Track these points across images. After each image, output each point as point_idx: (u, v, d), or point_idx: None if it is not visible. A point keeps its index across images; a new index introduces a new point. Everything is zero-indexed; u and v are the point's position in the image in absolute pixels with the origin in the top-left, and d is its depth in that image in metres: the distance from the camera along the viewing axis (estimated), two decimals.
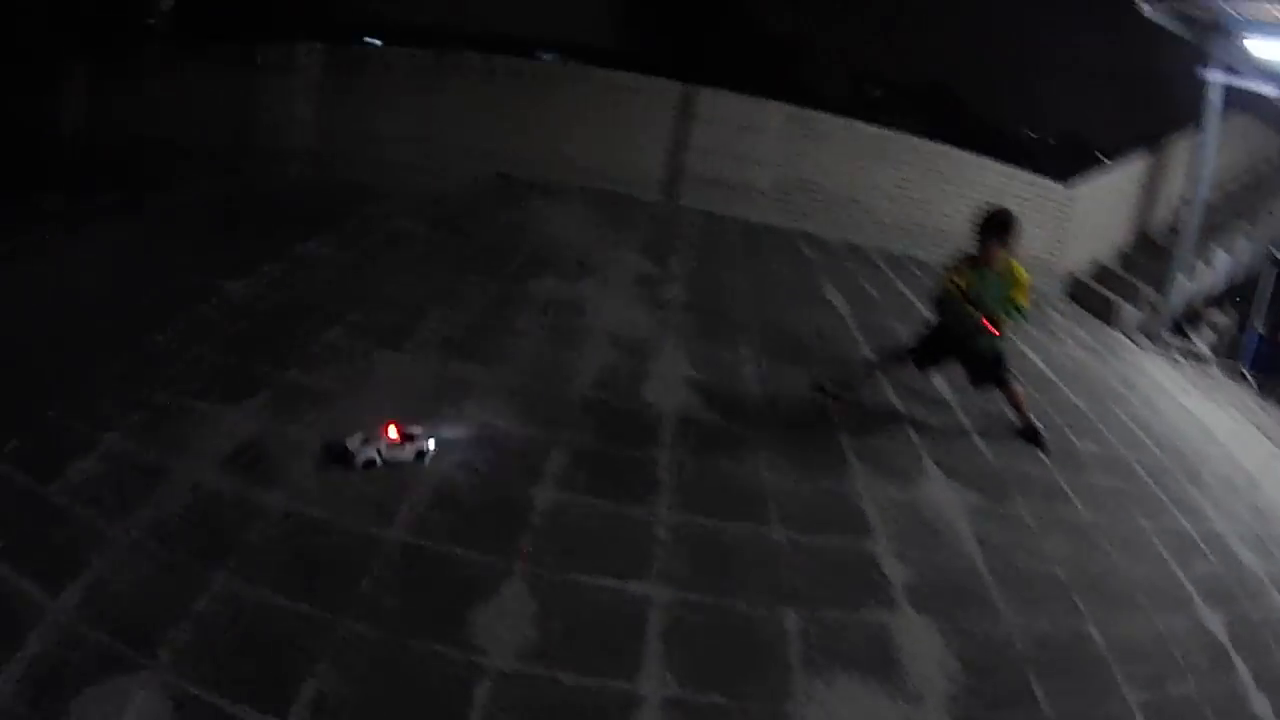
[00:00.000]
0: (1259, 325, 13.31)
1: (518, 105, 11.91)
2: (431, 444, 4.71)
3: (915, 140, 13.40)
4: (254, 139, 10.26)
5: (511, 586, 3.82)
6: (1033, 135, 21.95)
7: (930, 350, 6.92)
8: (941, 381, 7.54)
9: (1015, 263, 6.46)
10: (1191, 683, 4.78)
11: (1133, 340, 12.80)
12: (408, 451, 4.62)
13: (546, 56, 17.04)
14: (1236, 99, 13.13)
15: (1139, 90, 16.09)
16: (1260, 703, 4.85)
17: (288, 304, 6.23)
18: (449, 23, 16.26)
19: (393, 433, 4.61)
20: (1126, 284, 13.75)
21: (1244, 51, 11.79)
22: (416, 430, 4.70)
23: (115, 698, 2.87)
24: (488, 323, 6.65)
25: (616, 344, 6.74)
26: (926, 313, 8.06)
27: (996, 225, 6.36)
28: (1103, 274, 14.32)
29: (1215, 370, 12.94)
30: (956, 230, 12.76)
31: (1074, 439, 7.64)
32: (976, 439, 6.79)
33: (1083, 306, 13.76)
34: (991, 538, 5.53)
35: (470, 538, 4.07)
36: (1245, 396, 12.19)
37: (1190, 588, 5.82)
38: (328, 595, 3.51)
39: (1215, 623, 5.50)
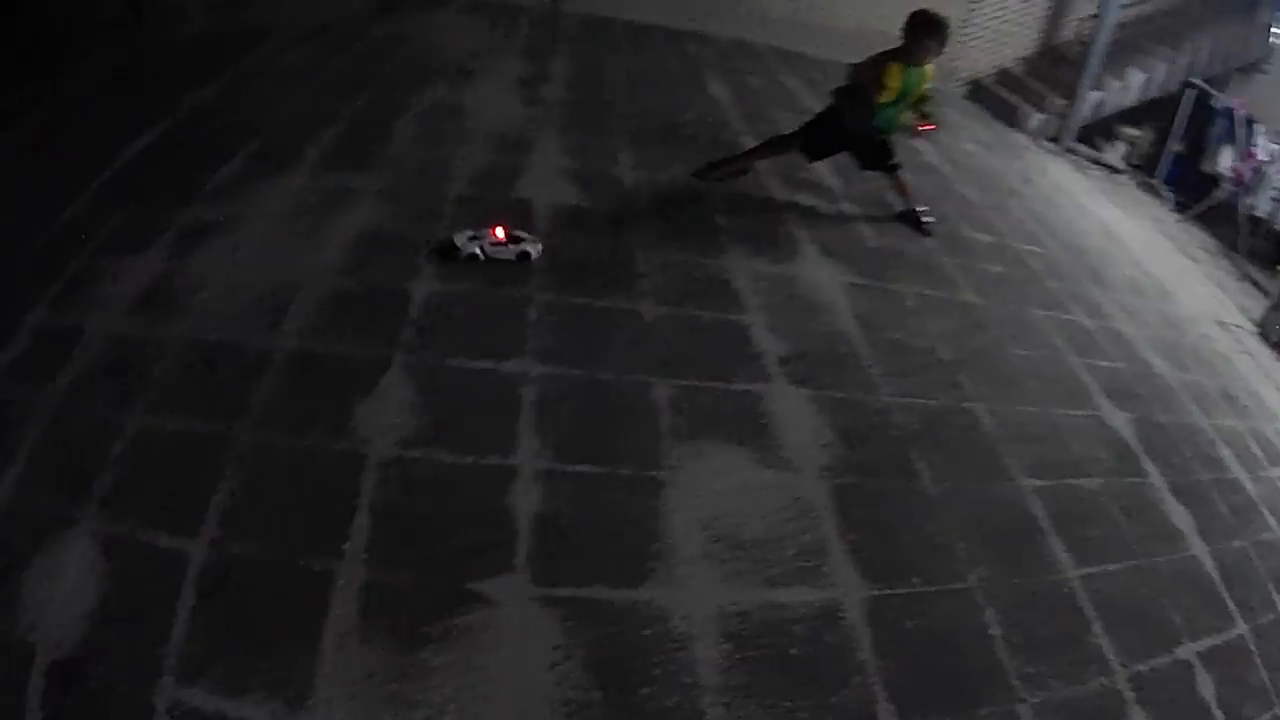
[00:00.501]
0: (1177, 145, 13.73)
1: None
2: (539, 248, 5.22)
3: None
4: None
5: (391, 378, 4.05)
6: None
7: (820, 140, 6.94)
8: (825, 167, 7.52)
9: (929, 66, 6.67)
10: (1096, 479, 4.94)
11: (1037, 144, 13.13)
12: (510, 251, 5.13)
13: None
14: None
15: None
16: (1180, 515, 5.04)
17: (187, 150, 6.22)
18: None
19: (500, 233, 5.15)
20: (1032, 90, 14.10)
21: None
22: (523, 234, 5.21)
23: (58, 560, 3.11)
24: (369, 134, 6.66)
25: (494, 143, 6.81)
26: (813, 104, 8.22)
27: (935, 27, 6.56)
28: (1008, 79, 14.60)
29: (1128, 183, 13.43)
30: (846, 28, 12.87)
31: (964, 227, 7.77)
32: (859, 222, 6.90)
33: (986, 110, 14.04)
34: (870, 314, 5.65)
35: (351, 337, 4.30)
36: (1159, 210, 12.66)
37: (1091, 382, 5.96)
38: (227, 411, 3.74)
39: (1120, 421, 5.66)
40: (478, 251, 5.06)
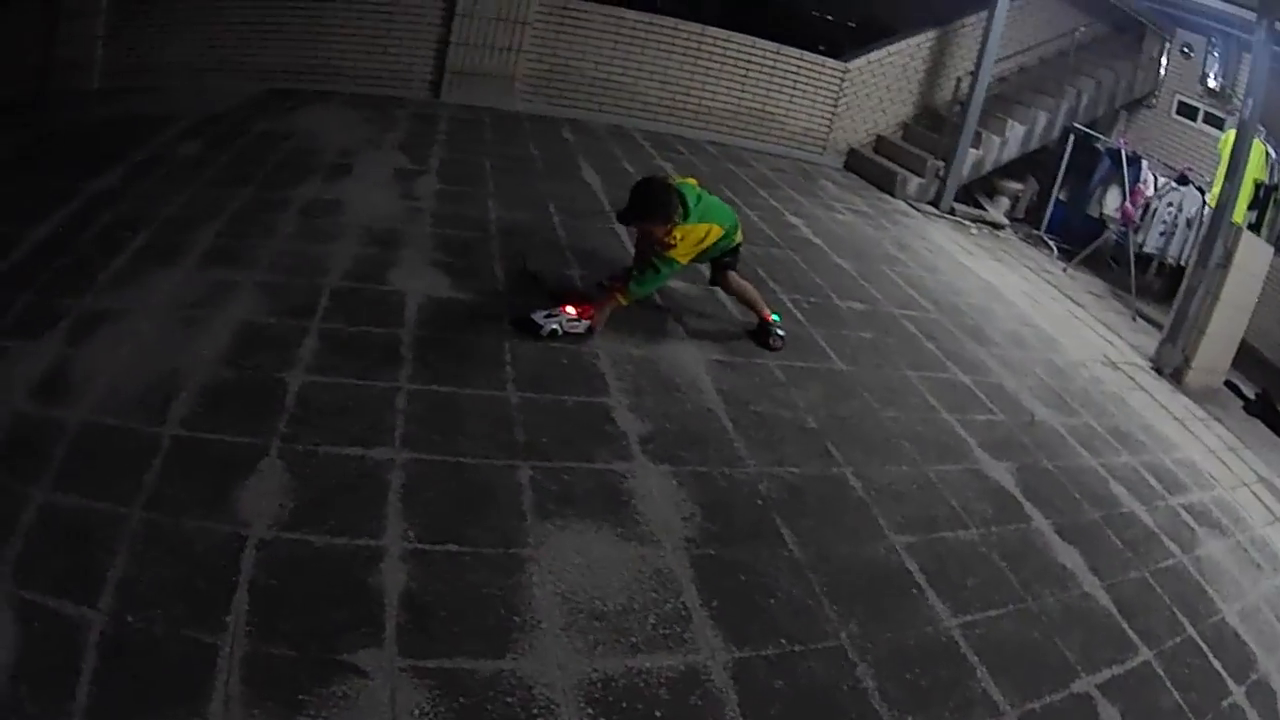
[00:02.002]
0: (1060, 194, 14.31)
1: (288, 18, 11.93)
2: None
3: (680, 23, 13.86)
4: (53, 85, 10.10)
5: (269, 463, 4.24)
6: (829, 19, 22.38)
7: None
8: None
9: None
10: (973, 530, 5.18)
11: (916, 208, 13.58)
12: (581, 325, 5.98)
13: None
14: None
15: None
16: (1068, 554, 5.29)
17: (82, 239, 6.40)
18: None
19: (571, 310, 6.00)
20: (911, 155, 14.63)
21: None
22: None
23: None
24: (250, 229, 6.89)
25: (368, 236, 7.08)
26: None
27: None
28: (885, 147, 15.22)
29: (1012, 237, 13.94)
30: (722, 109, 13.75)
31: (835, 298, 8.08)
32: (728, 301, 7.09)
33: (864, 178, 14.56)
34: (735, 389, 5.89)
35: (232, 424, 4.48)
36: (1044, 260, 13.13)
37: (967, 436, 6.25)
38: (119, 491, 3.92)
39: (1000, 471, 5.93)
40: (556, 327, 5.87)
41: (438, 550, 3.93)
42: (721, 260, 6.61)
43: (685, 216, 6.08)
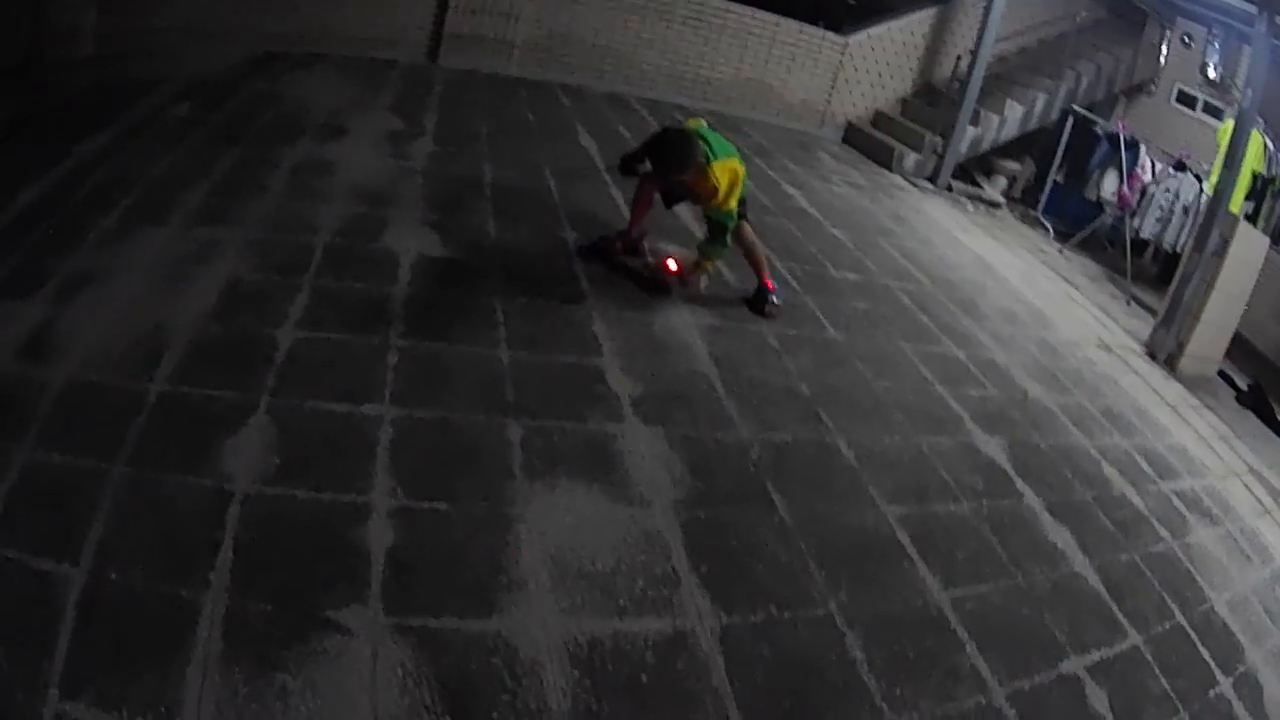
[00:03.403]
0: (1057, 175, 14.18)
1: None
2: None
3: None
4: (45, 51, 10.04)
5: (257, 419, 4.21)
6: None
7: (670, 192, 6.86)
8: (689, 214, 7.77)
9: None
10: (964, 503, 5.16)
11: (913, 183, 13.59)
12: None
13: None
14: None
15: None
16: (1058, 532, 5.27)
17: (71, 201, 6.32)
18: None
19: (672, 264, 6.45)
20: (908, 130, 14.63)
21: None
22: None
23: None
24: (239, 188, 6.81)
25: (361, 196, 6.96)
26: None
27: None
28: (884, 121, 15.22)
29: (1008, 216, 13.94)
30: (720, 78, 13.64)
31: (830, 268, 8.08)
32: (722, 267, 7.04)
33: (861, 152, 14.60)
34: (728, 354, 5.88)
35: (220, 381, 4.44)
36: (1040, 241, 13.15)
37: (959, 410, 6.23)
38: (103, 448, 3.88)
39: (992, 446, 5.92)
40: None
41: (425, 508, 3.91)
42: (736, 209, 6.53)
43: (714, 156, 6.11)
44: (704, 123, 6.65)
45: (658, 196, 6.76)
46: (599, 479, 4.34)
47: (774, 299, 6.71)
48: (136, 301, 5.04)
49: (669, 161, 6.12)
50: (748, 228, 6.72)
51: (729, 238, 6.40)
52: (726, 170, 6.12)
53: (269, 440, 4.07)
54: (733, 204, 6.20)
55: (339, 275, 5.68)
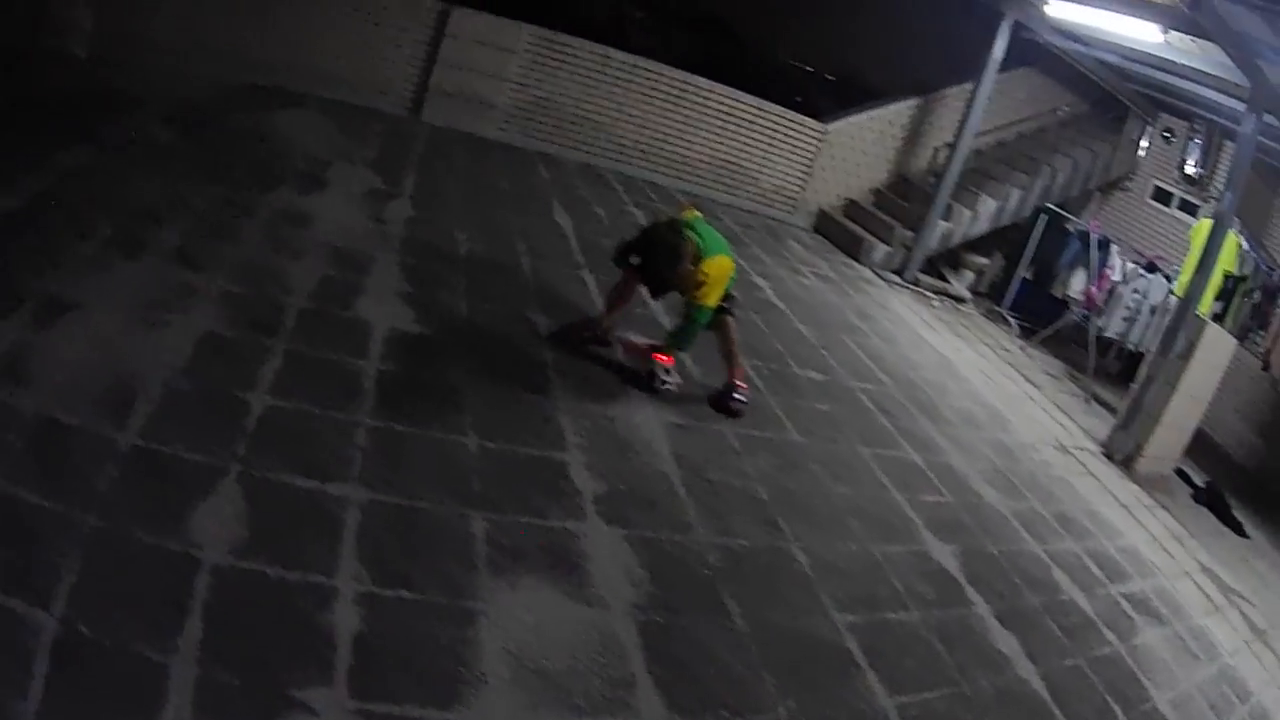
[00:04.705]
0: (1025, 271, 14.47)
1: (278, 12, 12.03)
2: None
3: (665, 68, 14.13)
4: (40, 42, 10.16)
5: (226, 486, 4.24)
6: (808, 70, 22.73)
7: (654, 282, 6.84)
8: (660, 307, 7.99)
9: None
10: (914, 612, 5.34)
11: (880, 276, 13.86)
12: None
13: None
14: (1025, 54, 14.75)
15: (923, 39, 16.96)
16: (1006, 640, 5.47)
17: (48, 216, 6.44)
18: None
19: (663, 358, 6.60)
20: (879, 222, 14.91)
21: (1038, 10, 13.11)
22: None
23: None
24: (218, 232, 6.94)
25: (337, 258, 7.10)
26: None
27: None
28: (856, 211, 15.48)
29: (973, 311, 14.23)
30: (697, 157, 13.90)
31: (794, 366, 8.30)
32: (687, 362, 7.20)
33: (831, 242, 14.87)
34: (689, 454, 6.03)
35: (191, 439, 4.47)
36: (1004, 338, 13.42)
37: (914, 517, 6.44)
38: (74, 494, 3.91)
39: (944, 554, 6.12)
40: (672, 386, 6.56)
41: (390, 595, 4.00)
42: (720, 303, 6.68)
43: (707, 253, 6.31)
44: (699, 215, 6.84)
45: (643, 289, 6.87)
46: (560, 578, 4.46)
47: (740, 398, 6.80)
48: (110, 342, 5.08)
49: (659, 262, 6.31)
50: (732, 324, 6.88)
51: (696, 335, 6.60)
52: (716, 268, 6.34)
53: (238, 510, 4.12)
54: (712, 301, 6.40)
55: (312, 342, 5.78)
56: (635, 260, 6.49)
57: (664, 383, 6.66)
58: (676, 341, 6.63)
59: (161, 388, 4.82)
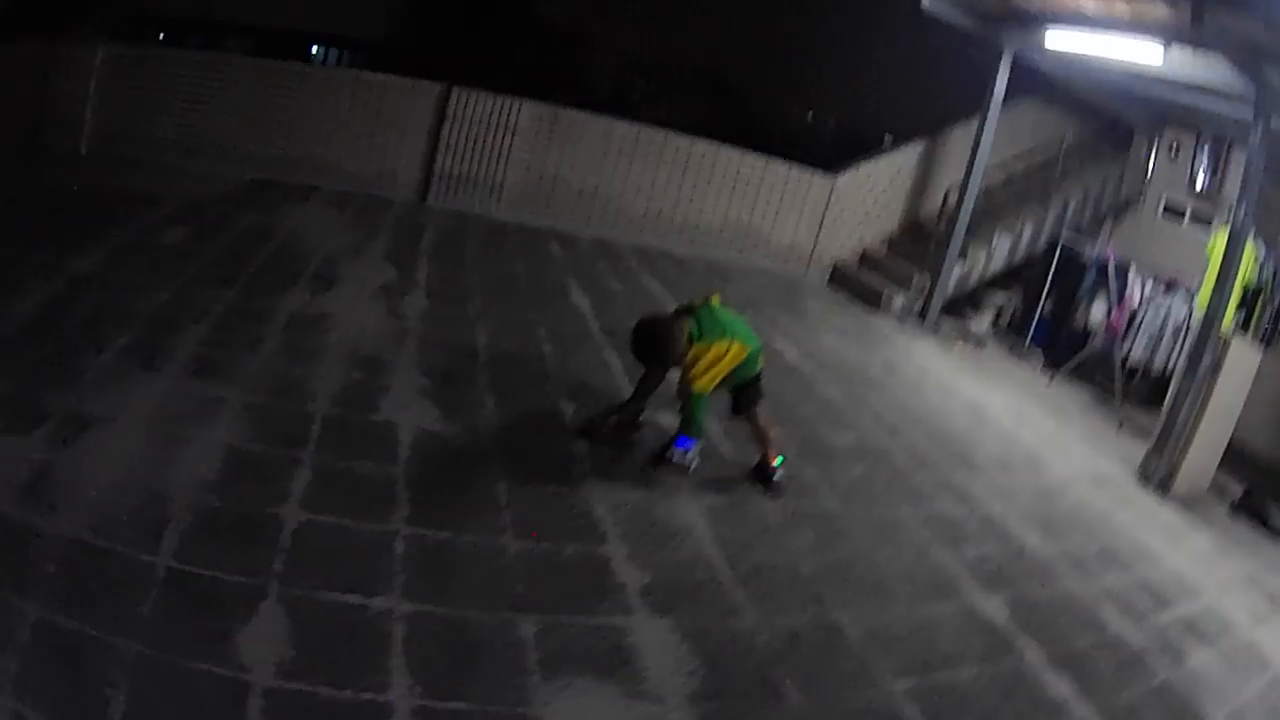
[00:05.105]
0: (1044, 307, 14.43)
1: (281, 108, 12.37)
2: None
3: (669, 135, 14.26)
4: (43, 140, 10.33)
5: (268, 606, 4.22)
6: (810, 122, 22.91)
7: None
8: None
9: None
10: (968, 669, 5.30)
11: (901, 325, 13.87)
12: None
13: (317, 50, 20.07)
14: (1027, 86, 14.78)
15: (926, 79, 17.06)
16: (1058, 684, 5.40)
17: (63, 326, 6.52)
18: (232, 16, 18.41)
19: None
20: (896, 270, 14.94)
21: (1038, 41, 13.08)
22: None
23: None
24: (234, 340, 6.98)
25: (355, 359, 7.16)
26: (670, 306, 8.74)
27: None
28: (871, 261, 15.54)
29: (994, 350, 14.14)
30: (708, 222, 13.90)
31: (824, 430, 8.31)
32: (719, 442, 7.25)
33: (849, 294, 14.88)
34: (731, 536, 6.02)
35: (227, 560, 4.45)
36: (1029, 374, 13.32)
37: (960, 572, 6.41)
38: (115, 621, 3.90)
39: (993, 606, 6.07)
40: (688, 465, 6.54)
41: (445, 709, 3.95)
42: (746, 389, 6.67)
43: (700, 336, 6.30)
44: (717, 301, 6.80)
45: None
46: (613, 676, 4.42)
47: (777, 478, 6.80)
48: (136, 459, 5.10)
49: (645, 356, 6.53)
50: (761, 409, 6.83)
51: (698, 417, 6.59)
52: (713, 354, 6.31)
53: (282, 630, 4.11)
54: (701, 385, 6.35)
55: (339, 451, 5.77)
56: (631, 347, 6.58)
57: (682, 463, 6.66)
58: (683, 428, 6.63)
59: (192, 506, 4.84)
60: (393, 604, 4.49)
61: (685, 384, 6.41)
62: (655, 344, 6.38)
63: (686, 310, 6.62)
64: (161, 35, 17.78)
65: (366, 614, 4.38)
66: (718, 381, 6.41)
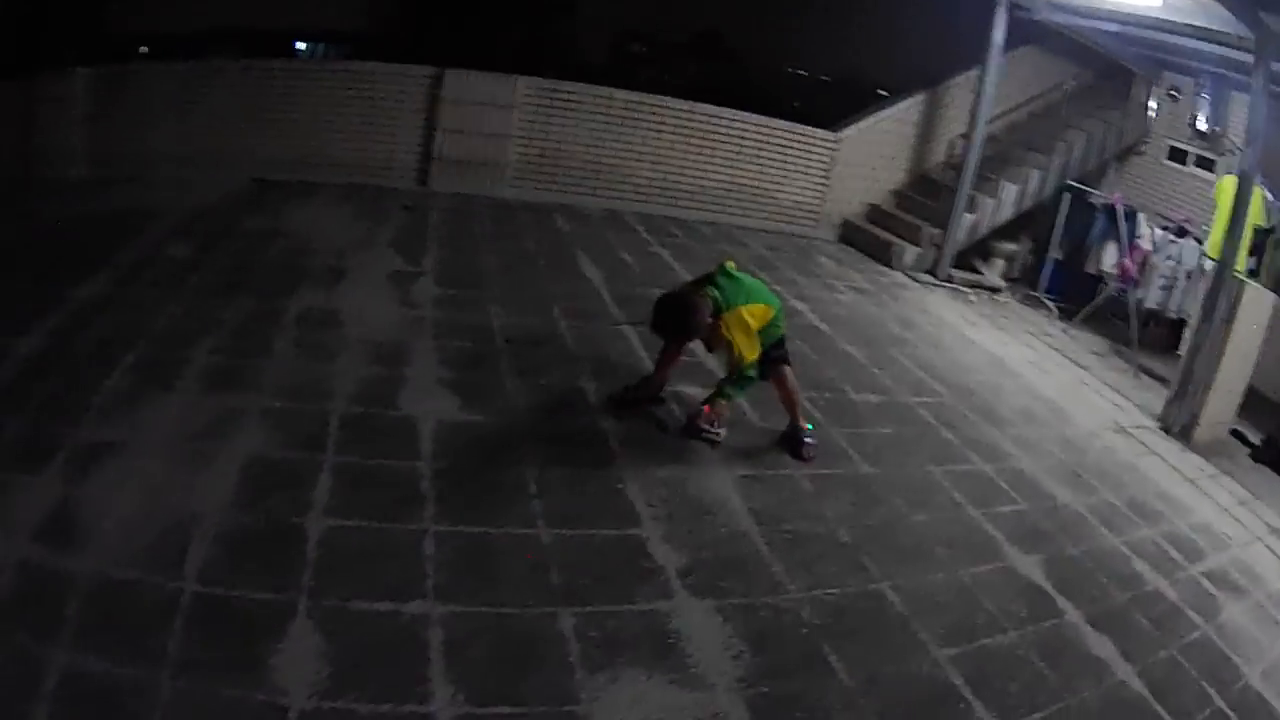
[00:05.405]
0: (1056, 252, 14.36)
1: (274, 107, 12.25)
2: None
3: (669, 100, 14.18)
4: (34, 172, 10.25)
5: (299, 623, 4.14)
6: (806, 77, 22.94)
7: None
8: (706, 354, 7.78)
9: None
10: (1011, 633, 5.28)
11: (914, 279, 13.79)
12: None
13: (303, 46, 20.24)
14: (1024, 33, 14.59)
15: (920, 32, 17.01)
16: (1100, 643, 5.41)
17: (70, 354, 6.41)
18: (215, 24, 18.35)
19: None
20: (905, 224, 14.83)
21: None
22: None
23: None
24: (247, 346, 6.89)
25: (371, 353, 7.06)
26: (688, 275, 8.81)
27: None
28: (879, 216, 15.41)
29: (1010, 299, 14.09)
30: (714, 186, 13.82)
31: (850, 390, 8.27)
32: (746, 408, 7.14)
33: (860, 250, 14.77)
34: (765, 507, 5.97)
35: (254, 579, 4.38)
36: (1044, 323, 13.27)
37: (995, 532, 6.37)
38: (146, 654, 3.82)
39: (1030, 565, 6.06)
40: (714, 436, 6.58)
41: (490, 714, 3.90)
42: (771, 352, 6.61)
43: (727, 305, 6.25)
44: (732, 264, 6.74)
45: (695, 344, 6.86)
46: (658, 664, 4.36)
47: (810, 440, 6.78)
48: (154, 483, 5.01)
49: (669, 329, 6.44)
50: (788, 372, 6.83)
51: (748, 384, 6.57)
52: (742, 319, 6.27)
53: (316, 647, 4.03)
54: (750, 354, 6.33)
55: (361, 450, 5.69)
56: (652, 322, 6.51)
57: (706, 432, 6.62)
58: (730, 391, 6.59)
59: (214, 526, 4.75)
60: (428, 608, 4.41)
61: (732, 356, 6.38)
62: (679, 317, 6.30)
63: (705, 280, 6.55)
64: (144, 49, 17.66)
65: (401, 621, 4.31)
66: (760, 343, 6.38)
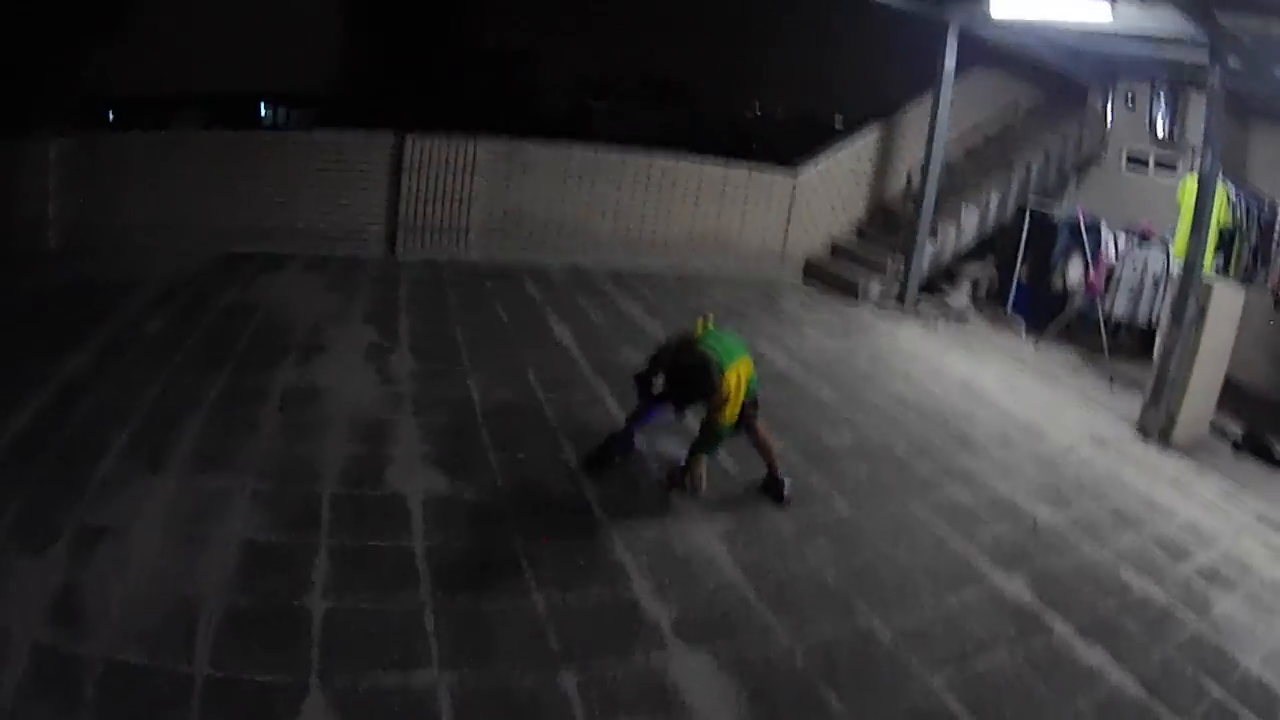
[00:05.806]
0: (1020, 274, 14.51)
1: (244, 178, 12.29)
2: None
3: (628, 154, 14.31)
4: (10, 245, 10.29)
5: (312, 701, 4.20)
6: (759, 114, 23.11)
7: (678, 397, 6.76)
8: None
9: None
10: (1001, 652, 5.41)
11: (882, 311, 13.95)
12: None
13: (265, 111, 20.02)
14: (976, 55, 14.90)
15: (872, 61, 17.17)
16: (1092, 653, 5.54)
17: (59, 434, 6.48)
18: (181, 87, 18.15)
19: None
20: (869, 257, 15.01)
21: (982, 11, 13.06)
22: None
23: None
24: (233, 425, 6.95)
25: (355, 431, 7.12)
26: (655, 331, 9.21)
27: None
28: (842, 251, 15.59)
29: (978, 323, 14.28)
30: (676, 235, 13.97)
31: (824, 433, 8.40)
32: (722, 459, 7.20)
33: (826, 286, 14.95)
34: (750, 557, 6.09)
35: (263, 661, 4.44)
36: (1015, 343, 13.41)
37: (978, 557, 6.51)
38: None
39: (1016, 585, 6.19)
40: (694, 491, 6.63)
41: None
42: (745, 406, 6.62)
43: (722, 366, 6.32)
44: (711, 319, 6.87)
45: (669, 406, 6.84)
46: (660, 717, 4.48)
47: (786, 488, 6.89)
48: (155, 567, 5.09)
49: (694, 393, 6.40)
50: (761, 424, 6.92)
51: (723, 439, 6.66)
52: (733, 380, 6.34)
53: None
54: (731, 412, 6.40)
55: (354, 530, 5.76)
56: (659, 384, 6.62)
57: (691, 487, 6.73)
58: (703, 449, 6.69)
59: (219, 608, 4.83)
60: (434, 678, 4.51)
61: (714, 409, 6.42)
62: (708, 379, 6.30)
63: (692, 340, 6.62)
64: (111, 113, 17.72)
65: (410, 693, 4.39)
66: (740, 403, 6.46)
